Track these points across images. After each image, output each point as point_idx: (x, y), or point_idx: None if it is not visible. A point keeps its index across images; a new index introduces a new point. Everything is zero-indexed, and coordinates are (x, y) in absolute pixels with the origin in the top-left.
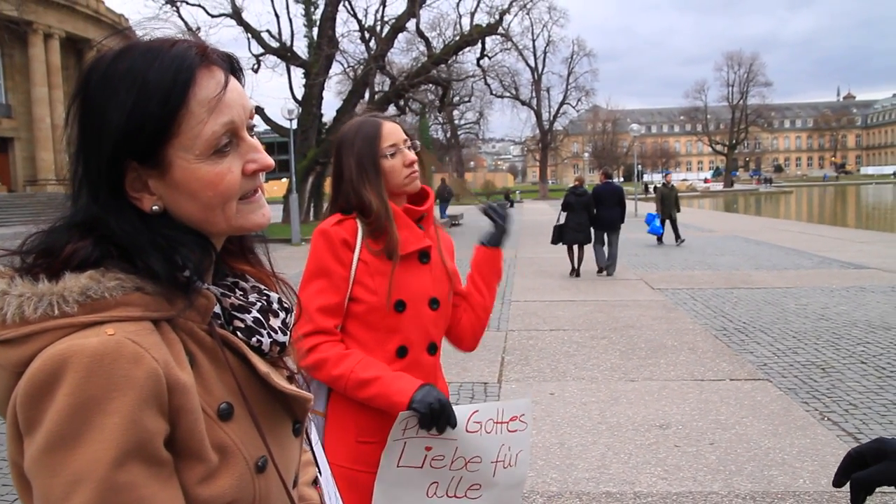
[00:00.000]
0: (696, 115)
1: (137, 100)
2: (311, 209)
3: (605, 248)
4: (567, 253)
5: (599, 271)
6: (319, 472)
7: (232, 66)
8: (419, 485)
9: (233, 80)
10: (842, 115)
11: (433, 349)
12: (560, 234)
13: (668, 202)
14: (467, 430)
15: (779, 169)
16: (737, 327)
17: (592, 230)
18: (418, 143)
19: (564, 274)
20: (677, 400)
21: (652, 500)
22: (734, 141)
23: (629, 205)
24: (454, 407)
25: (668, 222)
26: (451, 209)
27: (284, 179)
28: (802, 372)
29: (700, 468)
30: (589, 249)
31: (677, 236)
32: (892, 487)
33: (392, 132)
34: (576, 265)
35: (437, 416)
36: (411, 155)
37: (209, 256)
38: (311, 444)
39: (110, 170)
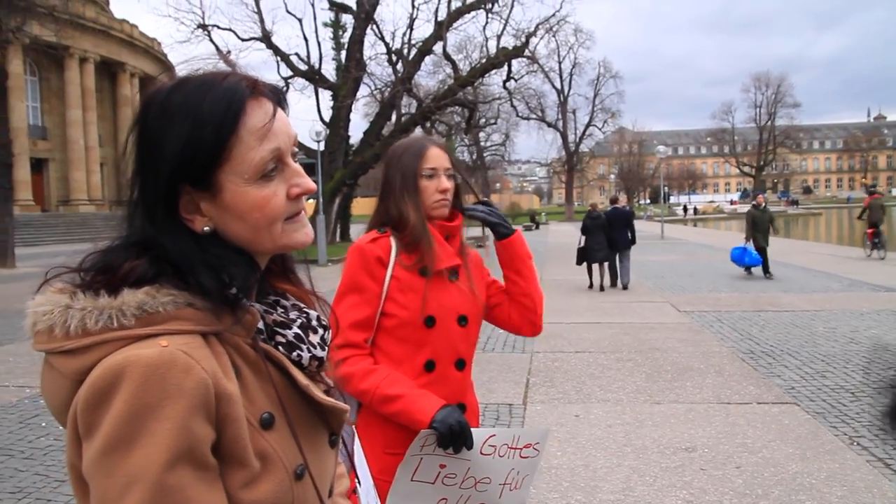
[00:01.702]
0: (723, 136)
1: (193, 128)
2: (338, 230)
3: (618, 267)
4: (587, 270)
5: (612, 285)
6: (359, 482)
7: (279, 98)
8: (429, 499)
9: (279, 111)
10: (872, 135)
11: (461, 365)
12: (583, 255)
13: (760, 227)
14: (482, 453)
15: (808, 190)
16: (764, 350)
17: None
18: (459, 176)
19: (590, 294)
20: (703, 423)
21: None
22: (762, 162)
23: (657, 227)
24: (472, 430)
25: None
26: (476, 231)
27: (311, 201)
28: (831, 396)
29: (726, 492)
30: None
31: (766, 269)
32: None
33: (435, 156)
34: (598, 281)
35: (455, 437)
36: (446, 183)
37: (254, 275)
38: (350, 456)
39: (166, 193)
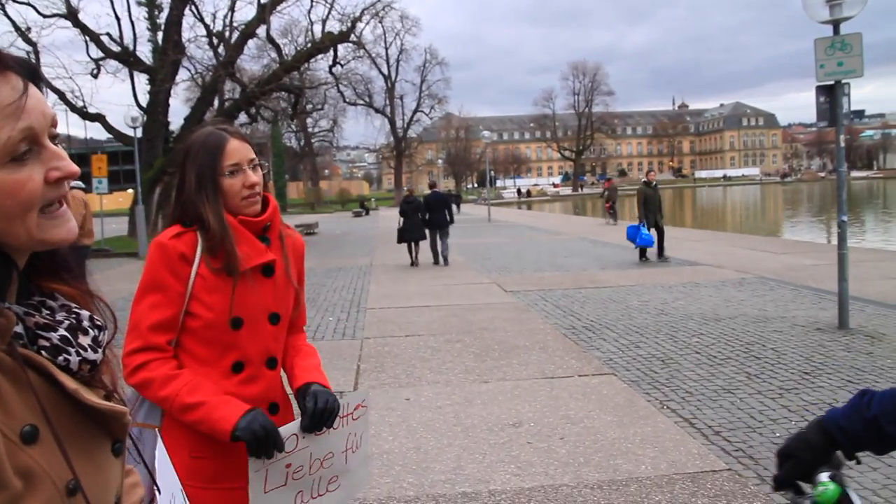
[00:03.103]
0: (545, 122)
1: None
2: (159, 221)
3: (438, 245)
4: (407, 249)
5: (435, 262)
6: (159, 490)
7: (31, 73)
8: (287, 499)
9: (32, 87)
10: (677, 122)
11: (273, 363)
12: (402, 236)
13: (651, 205)
14: (316, 434)
15: (623, 173)
16: (584, 325)
17: (427, 230)
18: (266, 164)
19: (418, 278)
20: (529, 398)
21: (506, 496)
22: (581, 147)
23: (484, 210)
24: (284, 427)
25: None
26: (307, 218)
27: (130, 191)
28: (644, 364)
29: (551, 462)
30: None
31: (661, 251)
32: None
33: (236, 150)
34: (414, 258)
35: (262, 443)
36: (253, 177)
37: (8, 274)
38: (145, 463)
39: None
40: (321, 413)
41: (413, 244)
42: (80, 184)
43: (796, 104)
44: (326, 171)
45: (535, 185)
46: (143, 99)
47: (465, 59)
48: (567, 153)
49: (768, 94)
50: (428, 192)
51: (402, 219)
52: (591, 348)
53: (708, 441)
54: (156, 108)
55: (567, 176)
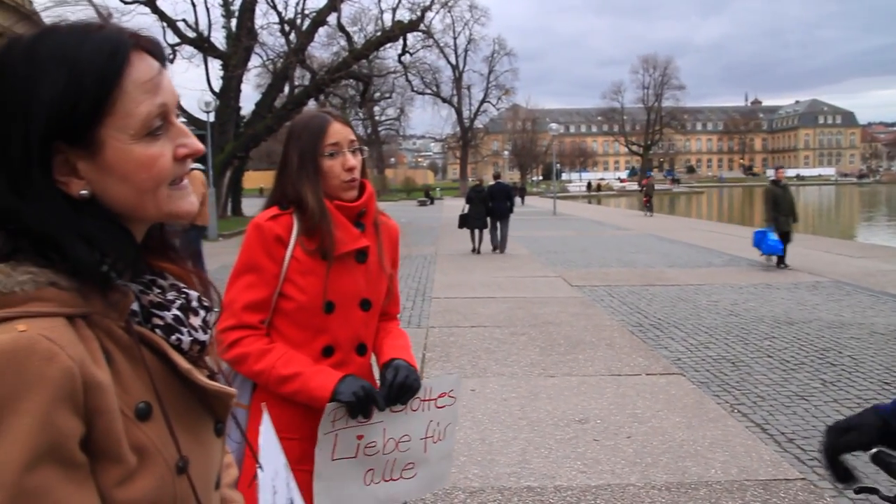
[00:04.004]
0: (613, 115)
1: (70, 78)
2: (229, 204)
3: (498, 233)
4: (469, 236)
5: (494, 249)
6: (261, 467)
7: (162, 54)
8: (356, 474)
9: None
10: (749, 119)
11: (362, 350)
12: (464, 221)
13: (782, 207)
14: (392, 411)
15: (691, 170)
16: (652, 323)
17: (489, 219)
18: (366, 149)
19: (484, 268)
20: (595, 395)
21: (572, 493)
22: (649, 142)
23: (549, 203)
24: (378, 391)
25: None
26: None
27: (199, 172)
28: (714, 366)
29: (618, 461)
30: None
31: (782, 259)
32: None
33: (338, 132)
34: (476, 245)
35: (363, 402)
36: (351, 160)
37: (132, 250)
38: (247, 440)
39: (39, 152)
40: (399, 387)
41: (476, 232)
42: (199, 165)
43: (877, 102)
44: (392, 159)
45: (602, 179)
46: (216, 84)
47: (534, 49)
48: (634, 148)
49: (847, 91)
50: (492, 182)
51: (467, 205)
52: (658, 347)
53: (781, 448)
54: (228, 94)
55: (634, 171)
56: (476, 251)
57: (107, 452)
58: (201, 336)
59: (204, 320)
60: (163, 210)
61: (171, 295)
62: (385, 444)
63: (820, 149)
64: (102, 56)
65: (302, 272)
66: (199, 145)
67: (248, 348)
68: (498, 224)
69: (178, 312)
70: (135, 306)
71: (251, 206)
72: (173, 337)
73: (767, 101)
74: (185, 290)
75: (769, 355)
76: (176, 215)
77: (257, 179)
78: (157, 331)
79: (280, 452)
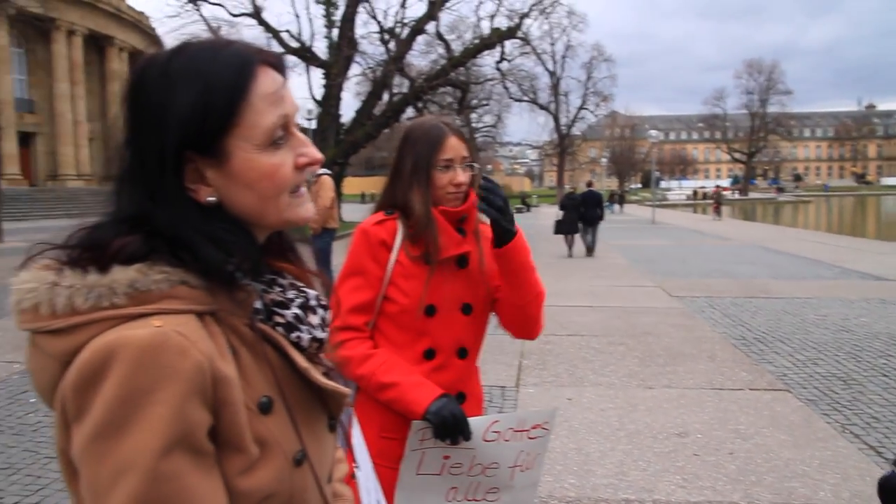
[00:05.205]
0: (715, 122)
1: (202, 92)
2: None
3: (589, 237)
4: (564, 240)
5: (587, 253)
6: (358, 466)
7: (283, 67)
8: (439, 490)
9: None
10: (863, 124)
11: (463, 353)
12: (559, 227)
13: None
14: (485, 440)
15: (798, 178)
16: (756, 337)
17: (581, 224)
18: (477, 166)
19: (580, 276)
20: (696, 408)
21: None
22: (753, 149)
23: (648, 211)
24: (473, 419)
25: None
26: None
27: (324, 175)
28: (823, 383)
29: (719, 477)
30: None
31: None
32: None
33: (453, 147)
34: (570, 249)
35: (450, 429)
36: (461, 176)
37: (255, 251)
38: (348, 440)
39: (172, 162)
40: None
41: (569, 236)
42: (326, 170)
43: None
44: (489, 166)
45: (702, 187)
46: (318, 92)
47: (633, 55)
48: (737, 155)
49: None
50: (585, 189)
51: (561, 212)
52: (763, 361)
53: None
54: (329, 102)
55: (736, 179)
56: (569, 254)
57: (231, 443)
58: (320, 334)
59: (322, 319)
60: (282, 216)
61: (290, 294)
62: (472, 468)
63: None
64: (232, 71)
65: (405, 276)
66: (319, 155)
67: (352, 352)
68: (589, 229)
69: (297, 311)
70: (258, 304)
71: (352, 212)
72: (293, 334)
73: (883, 106)
74: (303, 289)
75: (885, 374)
76: (294, 222)
77: (357, 185)
78: (279, 328)
79: (367, 455)
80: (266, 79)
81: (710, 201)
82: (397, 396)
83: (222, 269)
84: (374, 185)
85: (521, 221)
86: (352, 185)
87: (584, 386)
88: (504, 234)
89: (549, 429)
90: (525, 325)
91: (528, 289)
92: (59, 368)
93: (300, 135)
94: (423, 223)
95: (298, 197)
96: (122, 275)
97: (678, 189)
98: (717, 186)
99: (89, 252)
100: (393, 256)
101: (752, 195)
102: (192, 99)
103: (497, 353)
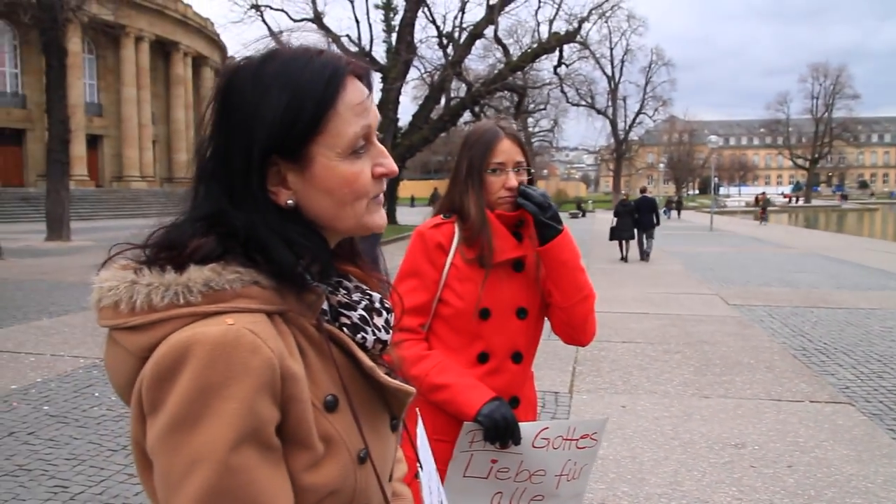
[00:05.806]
0: (777, 127)
1: (292, 98)
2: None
3: (644, 243)
4: (618, 245)
5: (641, 258)
6: (421, 466)
7: (368, 78)
8: (484, 494)
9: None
10: None
11: (518, 358)
12: (613, 233)
13: None
14: (534, 446)
15: (864, 185)
16: (817, 347)
17: (635, 230)
18: (533, 171)
19: (636, 283)
20: (753, 419)
21: None
22: (816, 155)
23: (706, 218)
24: (523, 424)
25: None
26: None
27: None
28: (888, 397)
29: (777, 491)
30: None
31: None
32: None
33: (505, 150)
34: (624, 254)
35: (500, 432)
36: (512, 180)
37: (327, 255)
38: (413, 440)
39: (258, 164)
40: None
41: (624, 242)
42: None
43: None
44: (545, 171)
45: (762, 193)
46: (376, 97)
47: (693, 59)
48: (800, 161)
49: None
50: (639, 195)
51: (615, 218)
52: (823, 373)
53: None
54: (387, 105)
55: (798, 185)
56: (623, 259)
57: (298, 439)
58: (384, 335)
59: (386, 320)
60: (359, 222)
61: (356, 296)
62: (518, 473)
63: None
64: (322, 80)
65: (460, 279)
66: (395, 166)
67: (406, 352)
68: (644, 234)
69: (363, 312)
70: (325, 306)
71: (406, 215)
72: (359, 335)
73: None
74: (368, 291)
75: None
76: (369, 229)
77: (413, 189)
78: (345, 329)
79: (431, 455)
80: (353, 89)
81: (758, 207)
82: (450, 398)
83: (294, 271)
84: (426, 189)
85: (575, 227)
86: (409, 188)
87: (639, 394)
88: (545, 229)
89: (598, 440)
90: (574, 329)
91: (574, 290)
92: (136, 364)
93: (379, 145)
94: (477, 226)
95: (374, 205)
96: (197, 274)
97: (738, 196)
98: (763, 194)
99: (166, 252)
100: (449, 259)
101: (815, 202)
102: (283, 104)
103: (551, 358)
